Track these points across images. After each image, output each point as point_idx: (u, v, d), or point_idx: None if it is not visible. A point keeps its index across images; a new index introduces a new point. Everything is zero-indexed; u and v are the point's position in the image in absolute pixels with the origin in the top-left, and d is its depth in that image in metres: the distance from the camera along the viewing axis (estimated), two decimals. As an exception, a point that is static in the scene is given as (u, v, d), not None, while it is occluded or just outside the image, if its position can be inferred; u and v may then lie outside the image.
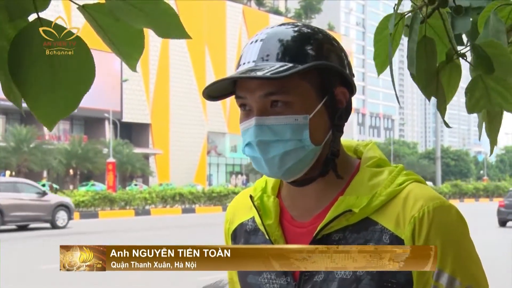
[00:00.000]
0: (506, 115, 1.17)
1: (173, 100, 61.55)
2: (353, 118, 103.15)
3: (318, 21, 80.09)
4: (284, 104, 1.06)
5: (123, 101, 55.63)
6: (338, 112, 1.10)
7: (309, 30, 1.09)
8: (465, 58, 1.05)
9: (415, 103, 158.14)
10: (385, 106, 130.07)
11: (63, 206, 19.61)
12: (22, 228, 19.11)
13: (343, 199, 1.08)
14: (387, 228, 1.05)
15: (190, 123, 62.57)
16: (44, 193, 19.30)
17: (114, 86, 51.88)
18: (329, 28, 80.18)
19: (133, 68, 0.91)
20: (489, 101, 1.04)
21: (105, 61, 54.56)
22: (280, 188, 1.19)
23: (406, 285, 1.03)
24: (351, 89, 1.12)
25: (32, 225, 19.48)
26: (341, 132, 1.12)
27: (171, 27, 0.89)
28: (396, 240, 1.04)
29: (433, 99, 1.06)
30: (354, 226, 1.07)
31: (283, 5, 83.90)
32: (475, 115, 1.18)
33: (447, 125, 1.11)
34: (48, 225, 19.23)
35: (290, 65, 1.04)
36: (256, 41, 1.09)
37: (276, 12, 77.01)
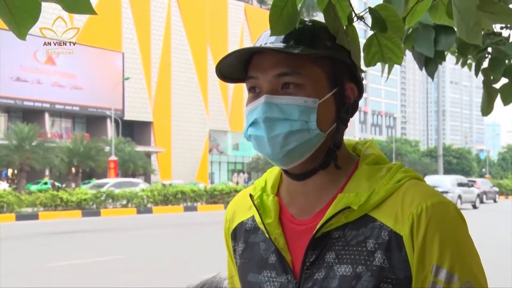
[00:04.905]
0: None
1: (175, 98, 61.55)
2: (355, 116, 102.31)
3: (319, 19, 79.44)
4: (295, 86, 1.07)
5: (125, 99, 55.65)
6: (345, 106, 1.12)
7: (325, 26, 1.14)
8: (363, 20, 1.22)
9: (417, 101, 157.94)
10: (387, 104, 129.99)
11: None
12: None
13: (342, 196, 1.08)
14: (386, 225, 1.05)
15: (192, 121, 62.59)
16: None
17: (116, 84, 51.94)
18: (331, 26, 79.55)
19: (22, 37, 0.90)
20: (382, 56, 1.23)
21: (107, 59, 54.72)
22: (280, 187, 1.19)
23: (405, 281, 1.03)
24: (360, 89, 1.14)
25: None
26: (346, 126, 1.13)
27: (78, 2, 0.88)
28: (395, 237, 1.03)
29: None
30: (354, 223, 1.07)
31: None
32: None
33: (361, 71, 1.26)
34: None
35: (308, 48, 1.07)
36: None
37: (278, 10, 76.90)
